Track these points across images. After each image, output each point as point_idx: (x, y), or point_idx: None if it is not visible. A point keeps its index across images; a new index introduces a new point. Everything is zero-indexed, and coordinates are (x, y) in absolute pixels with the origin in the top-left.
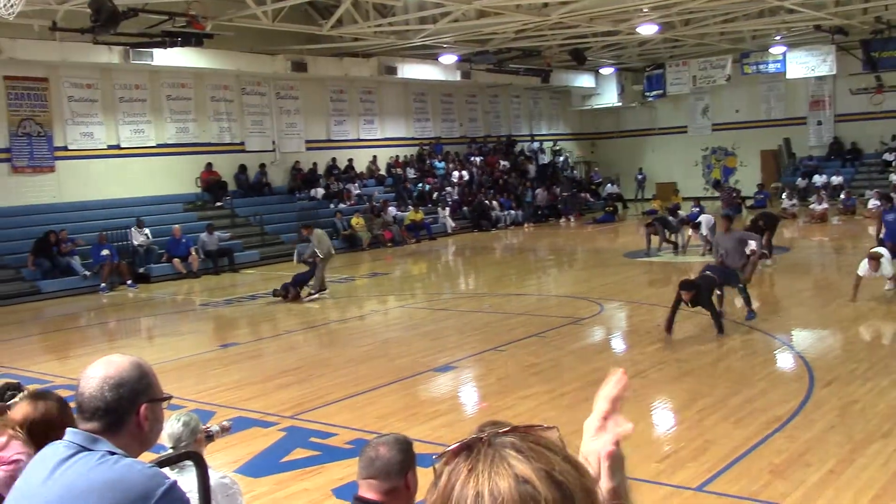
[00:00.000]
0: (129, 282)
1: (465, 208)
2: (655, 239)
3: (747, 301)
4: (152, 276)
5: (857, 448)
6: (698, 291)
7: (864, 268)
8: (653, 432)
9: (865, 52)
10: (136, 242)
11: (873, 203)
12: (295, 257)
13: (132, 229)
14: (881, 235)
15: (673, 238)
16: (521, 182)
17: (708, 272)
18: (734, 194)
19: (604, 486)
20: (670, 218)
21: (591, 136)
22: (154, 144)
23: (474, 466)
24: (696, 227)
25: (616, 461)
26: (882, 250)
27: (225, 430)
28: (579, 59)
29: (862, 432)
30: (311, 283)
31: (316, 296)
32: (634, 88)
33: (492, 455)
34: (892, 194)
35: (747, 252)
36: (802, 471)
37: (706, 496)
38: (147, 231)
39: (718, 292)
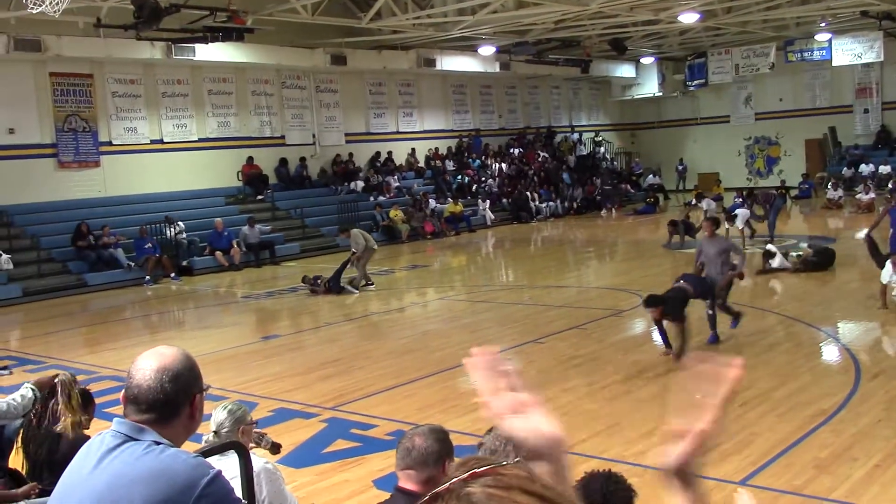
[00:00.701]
0: (172, 275)
1: (504, 200)
2: (676, 238)
3: (712, 323)
4: (195, 268)
5: None
6: (665, 307)
7: (888, 274)
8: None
9: None
10: (168, 236)
11: None
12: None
13: (164, 227)
14: (864, 235)
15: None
16: (559, 172)
17: (682, 282)
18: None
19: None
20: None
21: (632, 126)
22: (196, 139)
23: None
24: (732, 219)
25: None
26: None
27: (275, 447)
28: (619, 48)
29: None
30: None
31: (355, 291)
32: (675, 78)
33: None
34: None
35: (731, 263)
36: (848, 465)
37: (750, 490)
38: (181, 225)
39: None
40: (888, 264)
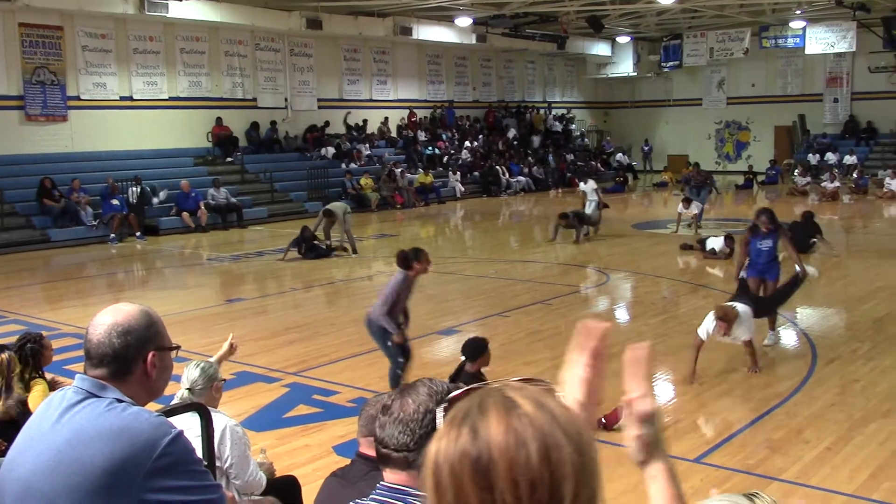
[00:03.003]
0: (137, 234)
1: (475, 173)
2: (571, 232)
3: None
4: (161, 228)
5: (856, 427)
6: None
7: (708, 328)
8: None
9: (886, 29)
10: (131, 200)
11: (889, 183)
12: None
13: (130, 188)
14: (743, 272)
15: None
16: (532, 148)
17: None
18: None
19: (631, 433)
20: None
21: (605, 105)
22: (166, 97)
23: (472, 399)
24: (688, 202)
25: (647, 417)
26: (739, 306)
27: (266, 466)
28: (596, 26)
29: (861, 411)
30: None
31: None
32: (650, 58)
33: (490, 390)
34: (761, 219)
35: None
36: (800, 447)
37: (704, 468)
38: (142, 188)
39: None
40: (709, 319)
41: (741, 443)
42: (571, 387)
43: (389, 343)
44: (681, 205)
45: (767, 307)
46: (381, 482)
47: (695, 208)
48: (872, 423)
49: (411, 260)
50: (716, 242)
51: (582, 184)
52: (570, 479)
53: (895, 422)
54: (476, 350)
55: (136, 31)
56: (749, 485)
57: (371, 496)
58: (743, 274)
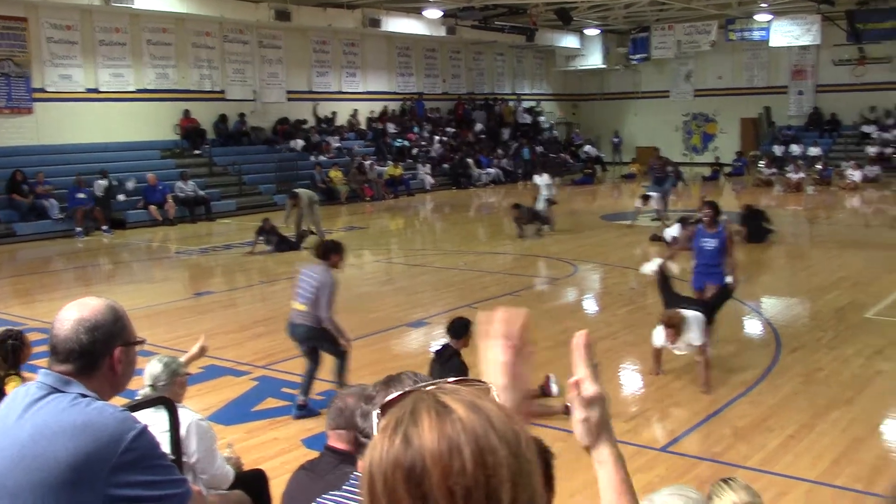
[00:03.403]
0: (104, 227)
1: (445, 165)
2: (528, 227)
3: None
4: (128, 222)
5: (819, 414)
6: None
7: (659, 337)
8: (621, 393)
9: (850, 23)
10: (98, 193)
11: (851, 174)
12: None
13: (96, 181)
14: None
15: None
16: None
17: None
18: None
19: (578, 416)
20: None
21: (574, 97)
22: (133, 89)
23: (405, 405)
24: (646, 198)
25: (593, 401)
26: (686, 312)
27: (234, 460)
28: (565, 18)
29: (824, 399)
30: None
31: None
32: (619, 51)
33: (423, 395)
34: (704, 210)
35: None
36: (764, 435)
37: (670, 456)
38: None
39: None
40: (659, 328)
41: (707, 431)
42: (493, 373)
43: (330, 345)
44: (639, 200)
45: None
46: (356, 472)
47: (654, 203)
48: (835, 411)
49: (331, 252)
50: (674, 230)
51: (536, 176)
52: (506, 483)
53: (857, 409)
54: (461, 329)
55: (102, 23)
56: (714, 472)
57: (344, 487)
58: (675, 268)
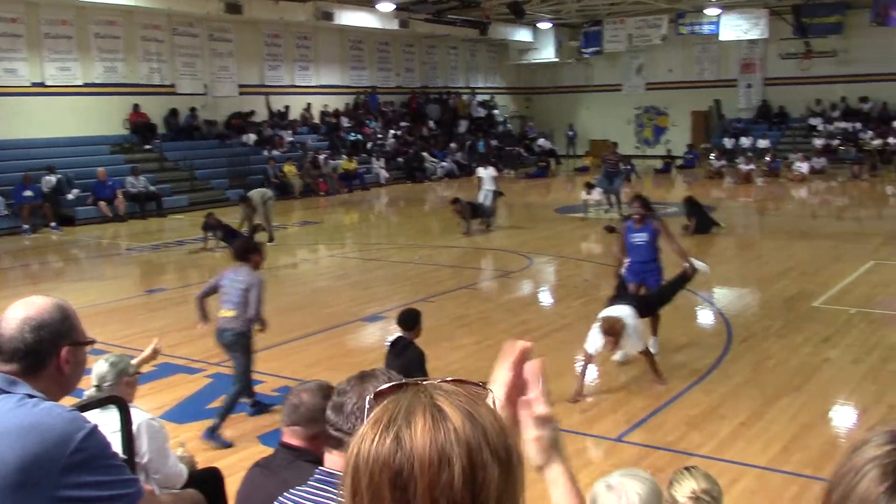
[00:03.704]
0: (52, 224)
1: (399, 159)
2: (473, 222)
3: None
4: (77, 218)
5: (769, 402)
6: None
7: (595, 343)
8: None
9: (796, 17)
10: (45, 189)
11: (799, 166)
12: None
13: (43, 177)
14: (622, 270)
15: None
16: (460, 134)
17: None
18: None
19: (529, 435)
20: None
21: (527, 90)
22: (81, 83)
23: (400, 400)
24: (590, 187)
25: (546, 421)
26: (622, 312)
27: (187, 459)
28: (517, 12)
29: (774, 387)
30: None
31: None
32: (571, 44)
33: (420, 393)
34: (633, 205)
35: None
36: (716, 423)
37: (625, 445)
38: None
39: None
40: (595, 331)
41: (661, 420)
42: (497, 388)
43: (243, 355)
44: (584, 190)
45: (650, 306)
46: (321, 468)
47: (596, 193)
48: (784, 398)
49: (250, 252)
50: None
51: (481, 168)
52: (492, 501)
53: (805, 396)
54: (412, 320)
55: (47, 15)
56: (669, 461)
57: (310, 483)
58: (623, 272)
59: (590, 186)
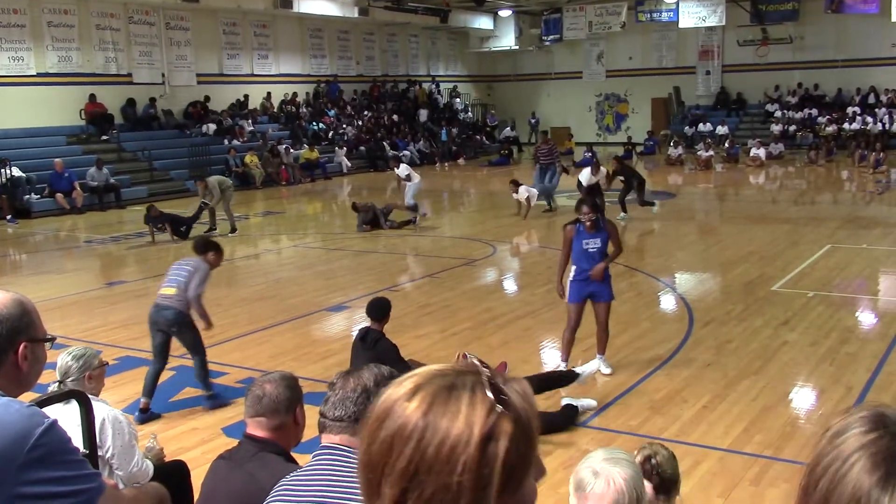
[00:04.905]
0: (8, 217)
1: (361, 148)
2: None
3: None
4: (33, 211)
5: (730, 384)
6: None
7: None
8: (541, 371)
9: (753, 4)
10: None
11: (756, 151)
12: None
13: None
14: (567, 280)
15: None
16: (420, 123)
17: None
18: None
19: None
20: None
21: (489, 78)
22: (34, 73)
23: (466, 381)
24: (516, 185)
25: None
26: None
27: (156, 451)
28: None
29: (735, 370)
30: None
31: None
32: (532, 32)
33: (480, 381)
34: (583, 209)
35: None
36: (679, 407)
37: (589, 430)
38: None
39: None
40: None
41: (625, 405)
42: None
43: (192, 336)
44: (511, 186)
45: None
46: (320, 445)
47: (524, 192)
48: (745, 381)
49: (210, 249)
50: (583, 177)
51: (395, 168)
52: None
53: (765, 379)
54: (382, 309)
55: None
56: (633, 446)
57: (314, 456)
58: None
59: (516, 184)
